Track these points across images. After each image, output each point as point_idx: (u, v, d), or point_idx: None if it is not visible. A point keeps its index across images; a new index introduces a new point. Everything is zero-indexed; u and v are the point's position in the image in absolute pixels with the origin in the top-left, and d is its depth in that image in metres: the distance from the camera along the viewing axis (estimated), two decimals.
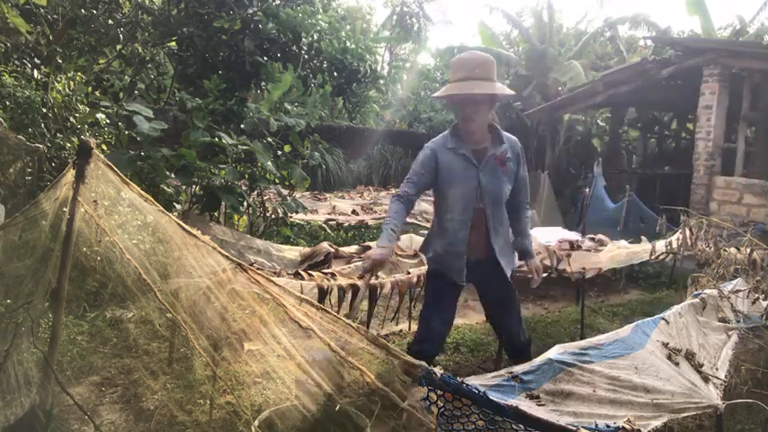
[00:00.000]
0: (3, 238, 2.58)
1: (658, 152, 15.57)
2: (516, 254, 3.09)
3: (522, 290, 6.00)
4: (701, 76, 9.41)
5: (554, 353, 2.02)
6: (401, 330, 4.65)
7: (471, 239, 2.84)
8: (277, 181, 6.00)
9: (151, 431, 2.88)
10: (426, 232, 3.22)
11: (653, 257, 4.81)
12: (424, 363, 1.53)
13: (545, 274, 5.11)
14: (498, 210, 2.87)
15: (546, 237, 5.84)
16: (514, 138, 2.96)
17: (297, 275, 3.53)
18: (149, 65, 6.98)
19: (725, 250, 3.61)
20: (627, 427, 1.71)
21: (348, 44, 7.05)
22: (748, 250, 3.56)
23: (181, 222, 1.98)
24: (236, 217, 5.63)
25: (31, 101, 4.56)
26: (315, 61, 6.86)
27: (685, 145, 14.27)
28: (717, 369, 2.41)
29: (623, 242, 5.50)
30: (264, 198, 6.51)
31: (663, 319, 2.48)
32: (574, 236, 6.31)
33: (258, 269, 2.11)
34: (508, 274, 2.93)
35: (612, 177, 11.30)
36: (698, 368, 2.30)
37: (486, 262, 2.88)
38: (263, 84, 7.11)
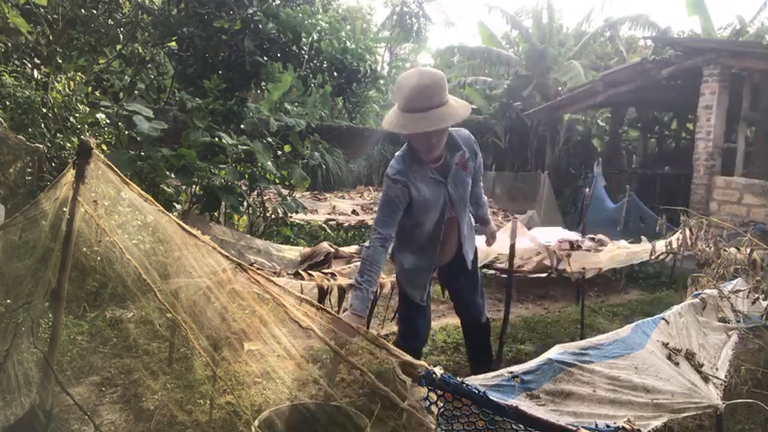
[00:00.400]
0: (3, 238, 2.58)
1: (658, 152, 15.59)
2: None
3: (522, 290, 6.02)
4: (701, 76, 9.41)
5: (554, 353, 2.02)
6: None
7: (442, 246, 2.85)
8: (277, 181, 6.00)
9: (151, 431, 2.88)
10: None
11: (653, 257, 4.80)
12: (424, 363, 1.53)
13: (544, 275, 5.14)
14: (465, 208, 2.89)
15: (546, 237, 5.84)
16: (465, 132, 2.83)
17: (297, 275, 3.53)
18: (149, 65, 6.98)
19: (725, 250, 3.60)
20: (627, 427, 1.71)
21: (348, 44, 7.06)
22: (748, 250, 3.55)
23: (181, 222, 1.98)
24: (236, 217, 5.63)
25: (31, 101, 4.57)
26: (315, 61, 6.86)
27: (685, 145, 14.28)
28: (717, 369, 2.41)
29: (623, 242, 5.49)
30: (264, 198, 6.51)
31: (663, 319, 2.48)
32: (574, 236, 6.32)
33: (258, 269, 2.10)
34: (471, 258, 2.98)
35: (612, 177, 11.31)
36: (698, 368, 2.29)
37: (455, 259, 2.94)
38: (263, 84, 7.11)
